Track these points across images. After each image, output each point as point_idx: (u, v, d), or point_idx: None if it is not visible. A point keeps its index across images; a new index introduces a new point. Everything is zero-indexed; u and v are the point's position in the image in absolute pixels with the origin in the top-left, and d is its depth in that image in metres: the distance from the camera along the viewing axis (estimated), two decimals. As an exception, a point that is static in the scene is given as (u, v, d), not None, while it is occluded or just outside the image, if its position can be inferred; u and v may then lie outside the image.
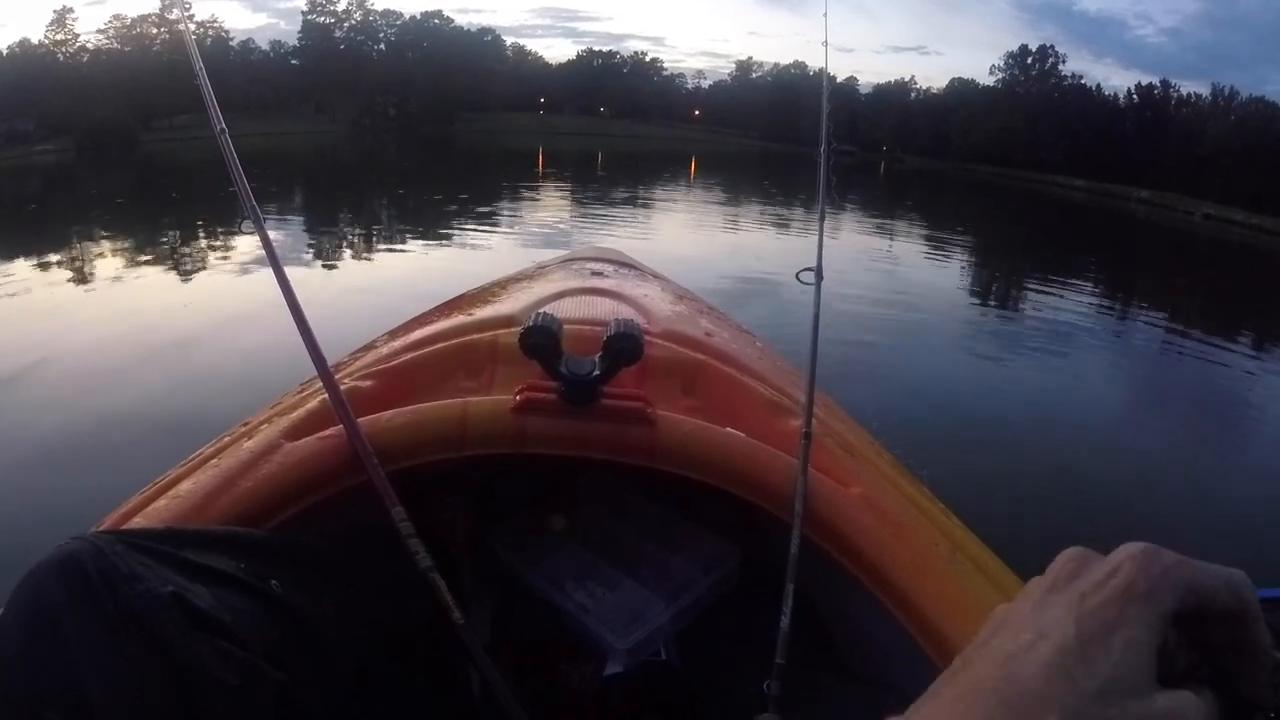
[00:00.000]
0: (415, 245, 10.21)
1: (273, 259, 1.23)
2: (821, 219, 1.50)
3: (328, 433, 1.03)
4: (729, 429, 1.12)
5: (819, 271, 1.38)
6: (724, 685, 1.06)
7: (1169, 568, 0.33)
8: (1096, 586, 0.33)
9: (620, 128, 70.86)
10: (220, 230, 10.21)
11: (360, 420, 1.02)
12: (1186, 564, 0.34)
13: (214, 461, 1.00)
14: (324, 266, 8.50)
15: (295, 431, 1.05)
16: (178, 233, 10.92)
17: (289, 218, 12.48)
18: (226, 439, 1.10)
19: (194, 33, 1.54)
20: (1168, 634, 0.33)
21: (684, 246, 10.98)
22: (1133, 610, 0.32)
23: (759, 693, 0.87)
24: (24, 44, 45.94)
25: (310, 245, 9.89)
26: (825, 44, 1.87)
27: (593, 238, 10.57)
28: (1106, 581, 0.33)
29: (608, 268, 2.21)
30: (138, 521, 0.89)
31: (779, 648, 0.89)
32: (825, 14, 1.91)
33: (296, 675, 0.71)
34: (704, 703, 1.09)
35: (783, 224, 15.24)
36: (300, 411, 1.10)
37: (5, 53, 44.42)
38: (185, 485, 0.95)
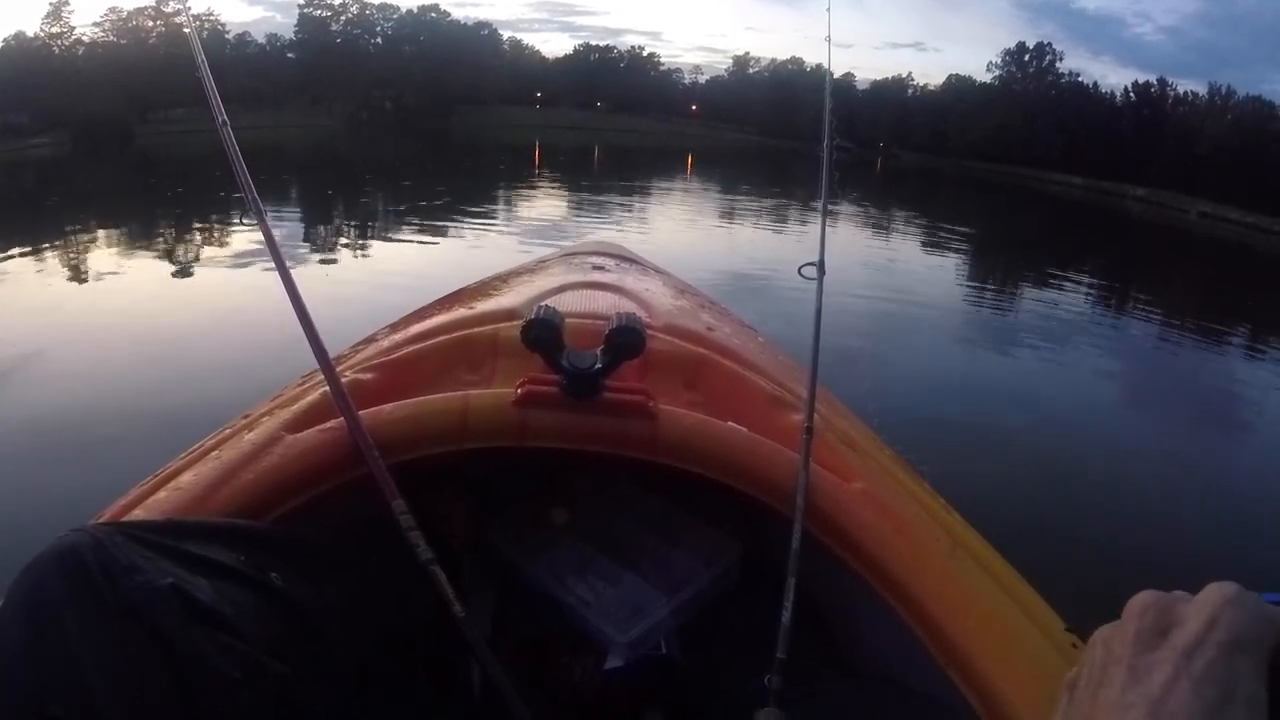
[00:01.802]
0: (415, 239, 10.20)
1: (274, 251, 1.23)
2: (824, 214, 1.49)
3: (328, 425, 1.02)
4: (731, 423, 1.12)
5: (821, 266, 1.37)
6: (725, 680, 1.05)
7: (1260, 609, 0.31)
8: (1199, 642, 0.31)
9: (617, 122, 70.65)
10: (220, 223, 10.19)
11: (361, 413, 1.02)
12: (1265, 603, 0.32)
13: (215, 453, 0.99)
14: (325, 259, 8.48)
15: (296, 424, 1.04)
16: (178, 226, 10.88)
17: (290, 211, 12.46)
18: (227, 431, 1.10)
19: (191, 26, 1.52)
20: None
21: (684, 241, 10.98)
22: (1244, 664, 0.30)
23: (760, 687, 0.87)
24: (19, 37, 45.62)
25: (311, 238, 9.88)
26: (828, 40, 1.87)
27: (592, 232, 10.56)
28: (1208, 635, 0.31)
29: (609, 262, 2.21)
30: (138, 513, 0.88)
31: (780, 642, 0.89)
32: (829, 9, 1.91)
33: (297, 668, 0.70)
34: (705, 697, 1.09)
35: (783, 219, 15.23)
36: (301, 404, 1.09)
37: (0, 45, 44.21)
38: (186, 477, 0.94)
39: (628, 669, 1.09)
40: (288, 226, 10.43)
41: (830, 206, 1.55)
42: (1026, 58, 62.48)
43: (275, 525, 0.92)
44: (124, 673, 0.59)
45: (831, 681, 1.00)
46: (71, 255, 8.42)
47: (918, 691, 0.90)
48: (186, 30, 1.49)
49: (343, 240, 10.30)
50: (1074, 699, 0.34)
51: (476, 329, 1.35)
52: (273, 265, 1.21)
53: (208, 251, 9.04)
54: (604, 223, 12.48)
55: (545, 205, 15.91)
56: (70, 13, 47.51)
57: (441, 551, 0.92)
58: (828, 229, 1.48)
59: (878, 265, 10.15)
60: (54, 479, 2.98)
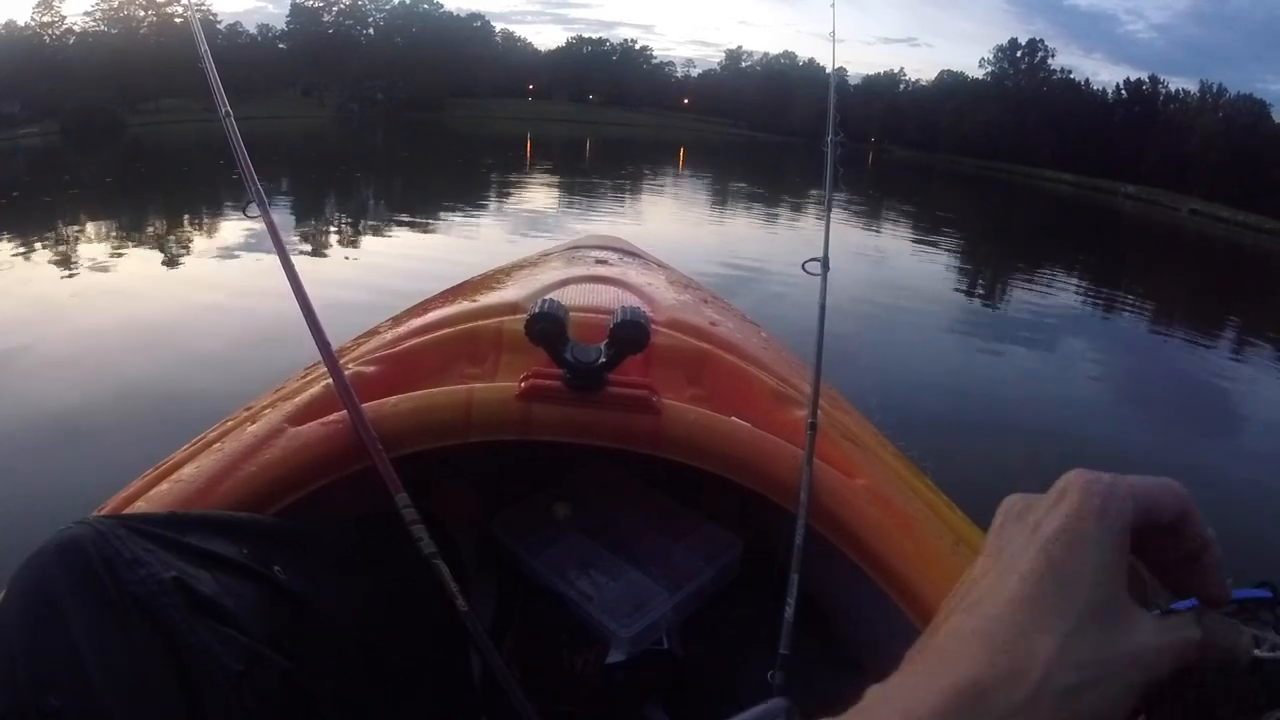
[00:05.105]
0: (414, 232, 10.14)
1: (277, 243, 1.21)
2: (829, 209, 1.48)
3: (331, 418, 1.01)
4: (734, 418, 1.12)
5: (825, 261, 1.36)
6: (727, 675, 1.05)
7: (1114, 483, 0.33)
8: (1049, 513, 0.33)
9: (609, 115, 70.69)
10: (221, 214, 10.13)
11: (364, 406, 1.01)
12: (1126, 478, 0.34)
13: (217, 445, 0.98)
14: (327, 252, 8.44)
15: (299, 416, 1.03)
16: (178, 216, 10.82)
17: (290, 202, 12.38)
18: (230, 423, 1.09)
19: (184, 16, 1.51)
20: (1130, 558, 0.32)
21: (680, 235, 10.96)
22: (1092, 529, 0.32)
23: (762, 682, 0.87)
24: (10, 26, 45.29)
25: (312, 231, 9.83)
26: (832, 36, 1.87)
27: (588, 226, 10.54)
28: (1057, 506, 0.33)
29: (612, 255, 2.20)
30: (140, 506, 0.87)
31: (783, 638, 0.89)
32: (833, 4, 1.90)
33: (300, 661, 0.70)
34: (706, 692, 1.09)
35: (784, 213, 15.23)
36: (304, 396, 1.08)
37: (-7, 35, 43.82)
38: (188, 469, 0.93)
39: (630, 663, 1.09)
40: (289, 218, 10.37)
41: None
42: (1018, 54, 62.77)
43: (278, 518, 0.92)
44: (126, 666, 0.59)
45: (834, 678, 1.00)
46: (70, 245, 8.31)
47: None
48: (179, 20, 1.49)
49: (344, 233, 10.23)
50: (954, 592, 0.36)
51: (480, 322, 1.34)
52: (275, 256, 1.19)
53: (209, 242, 8.94)
54: (598, 217, 12.45)
55: (540, 198, 15.87)
56: (61, 2, 47.24)
57: (444, 545, 0.91)
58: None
59: (877, 260, 10.16)
60: (56, 471, 2.96)
